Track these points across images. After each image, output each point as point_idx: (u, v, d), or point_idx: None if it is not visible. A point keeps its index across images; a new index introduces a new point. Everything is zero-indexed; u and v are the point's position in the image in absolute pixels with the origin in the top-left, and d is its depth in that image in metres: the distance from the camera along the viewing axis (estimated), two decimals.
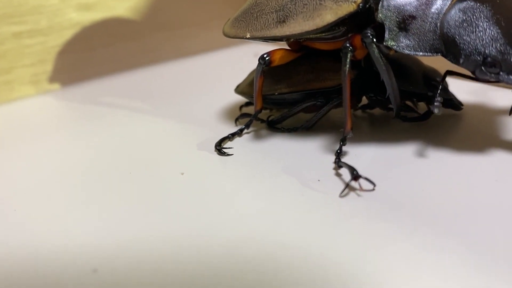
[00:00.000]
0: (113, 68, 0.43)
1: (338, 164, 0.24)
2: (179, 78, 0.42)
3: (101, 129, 0.33)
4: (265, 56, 0.27)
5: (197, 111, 0.34)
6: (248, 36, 0.27)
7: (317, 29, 0.25)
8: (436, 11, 0.23)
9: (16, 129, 0.34)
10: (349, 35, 0.25)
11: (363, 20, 0.25)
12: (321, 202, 0.23)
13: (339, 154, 0.25)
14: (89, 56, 0.42)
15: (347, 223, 0.21)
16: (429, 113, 0.28)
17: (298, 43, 0.28)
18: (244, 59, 0.45)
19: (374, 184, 0.23)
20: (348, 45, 0.24)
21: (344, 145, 0.25)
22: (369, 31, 0.24)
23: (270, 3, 0.27)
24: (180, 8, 0.45)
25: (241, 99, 0.34)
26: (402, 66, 0.27)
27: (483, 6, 0.23)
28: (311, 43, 0.27)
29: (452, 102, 0.28)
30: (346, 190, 0.23)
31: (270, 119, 0.29)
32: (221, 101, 0.35)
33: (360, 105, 0.29)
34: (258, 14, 0.27)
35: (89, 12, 0.41)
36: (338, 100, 0.27)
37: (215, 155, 0.28)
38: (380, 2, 0.24)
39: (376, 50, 0.24)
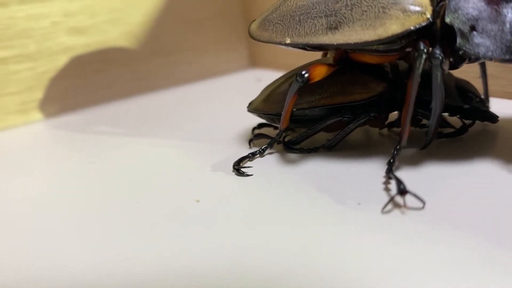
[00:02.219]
0: (106, 96, 0.40)
1: (389, 175, 0.22)
2: (177, 104, 0.39)
3: (97, 158, 0.30)
4: (303, 73, 0.24)
5: (203, 135, 0.31)
6: (287, 41, 0.25)
7: (379, 39, 0.23)
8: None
9: (2, 161, 0.31)
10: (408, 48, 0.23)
11: (428, 33, 0.23)
12: (363, 225, 0.20)
13: (391, 164, 0.22)
14: (81, 83, 0.39)
15: (401, 247, 0.19)
16: (465, 127, 0.26)
17: (341, 54, 0.25)
18: (245, 84, 0.43)
19: (423, 202, 0.20)
20: (422, 47, 0.22)
21: (397, 155, 0.23)
22: (438, 51, 0.22)
23: (317, 7, 0.24)
24: (175, 33, 0.43)
25: (249, 121, 0.31)
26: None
27: None
28: (359, 55, 0.25)
29: (488, 114, 0.26)
30: (390, 206, 0.20)
31: (286, 139, 0.27)
32: (227, 125, 0.32)
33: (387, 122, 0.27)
34: (301, 18, 0.24)
35: (81, 36, 0.39)
36: (366, 117, 0.25)
37: (232, 176, 0.25)
38: (447, 5, 0.22)
39: (440, 74, 0.22)
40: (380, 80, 0.25)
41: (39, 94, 0.37)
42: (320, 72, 0.24)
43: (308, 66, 0.24)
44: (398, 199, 0.21)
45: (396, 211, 0.21)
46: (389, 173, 0.22)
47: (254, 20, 0.27)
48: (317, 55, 0.29)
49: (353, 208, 0.21)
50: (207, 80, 0.44)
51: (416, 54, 0.22)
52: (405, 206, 0.20)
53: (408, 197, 0.21)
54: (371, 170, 0.24)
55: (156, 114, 0.37)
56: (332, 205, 0.22)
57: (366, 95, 0.25)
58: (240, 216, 0.22)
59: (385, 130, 0.28)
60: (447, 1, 0.22)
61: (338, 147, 0.26)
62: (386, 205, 0.21)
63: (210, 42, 0.45)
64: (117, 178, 0.27)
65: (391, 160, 0.23)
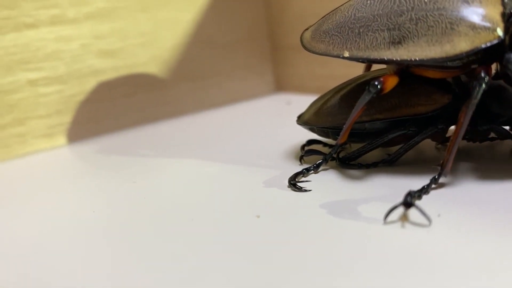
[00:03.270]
0: (135, 120, 0.39)
1: (418, 195, 0.21)
2: (209, 127, 0.38)
3: (138, 179, 0.28)
4: (376, 83, 0.23)
5: (246, 155, 0.30)
6: (346, 55, 0.24)
7: (446, 57, 0.22)
8: None
9: (30, 186, 0.29)
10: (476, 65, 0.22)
11: (497, 50, 0.22)
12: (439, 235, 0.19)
13: (424, 190, 0.22)
14: (110, 106, 0.38)
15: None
16: None
17: (401, 68, 0.24)
18: (275, 107, 0.42)
19: (429, 220, 0.20)
20: (483, 75, 0.21)
21: (435, 183, 0.22)
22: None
23: (379, 19, 0.23)
24: (203, 58, 0.42)
25: (292, 140, 0.30)
26: (503, 90, 0.24)
27: None
28: (421, 70, 0.24)
29: None
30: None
31: (341, 156, 0.26)
32: (269, 145, 0.31)
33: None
34: (361, 31, 0.24)
35: (111, 59, 0.38)
36: (434, 129, 0.24)
37: (289, 192, 0.24)
38: None
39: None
40: (445, 92, 0.24)
41: (67, 117, 0.36)
42: (392, 83, 0.23)
43: (379, 77, 0.23)
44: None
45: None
46: (418, 195, 0.21)
47: (306, 30, 0.26)
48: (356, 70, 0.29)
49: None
50: (235, 105, 0.43)
51: (475, 82, 0.21)
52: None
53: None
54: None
55: (189, 137, 0.36)
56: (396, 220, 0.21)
57: (431, 107, 0.24)
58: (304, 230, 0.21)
59: (439, 146, 0.27)
60: None
61: (397, 162, 0.25)
62: (387, 215, 0.20)
63: (237, 67, 0.44)
64: (162, 198, 0.25)
65: (425, 187, 0.22)
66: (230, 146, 0.33)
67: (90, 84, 0.37)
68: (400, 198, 0.22)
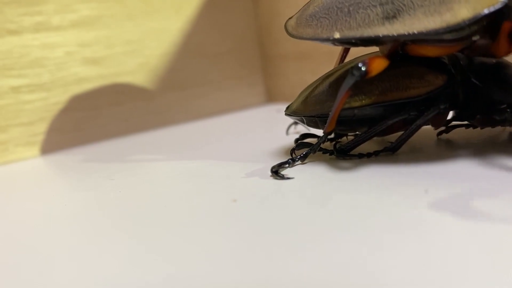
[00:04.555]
0: (120, 129, 0.38)
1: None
2: (197, 136, 0.37)
3: (112, 178, 0.27)
4: (360, 65, 0.21)
5: (233, 157, 0.29)
6: (337, 36, 0.22)
7: (447, 27, 0.20)
8: None
9: (8, 195, 0.27)
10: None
11: (500, 17, 0.21)
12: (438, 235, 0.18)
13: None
14: (95, 115, 0.37)
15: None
16: None
17: (396, 47, 0.23)
18: (266, 116, 0.41)
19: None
20: None
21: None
22: None
23: None
24: (192, 67, 0.41)
25: (283, 142, 0.29)
26: (506, 74, 0.23)
27: None
28: (418, 48, 0.22)
29: None
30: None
31: (338, 147, 0.24)
32: (259, 148, 0.30)
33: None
34: (351, 9, 0.22)
35: (96, 66, 0.37)
36: (435, 110, 0.22)
37: (270, 180, 0.23)
38: None
39: None
40: (439, 73, 0.23)
41: (51, 125, 0.35)
42: (378, 65, 0.22)
43: (365, 59, 0.22)
44: None
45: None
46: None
47: (290, 18, 0.25)
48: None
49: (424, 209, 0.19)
50: (225, 115, 0.42)
51: None
52: None
53: None
54: (445, 170, 0.22)
55: (175, 143, 0.35)
56: (385, 211, 0.19)
57: (424, 89, 0.23)
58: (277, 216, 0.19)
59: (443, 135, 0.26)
60: None
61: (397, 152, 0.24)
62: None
63: (227, 77, 0.43)
64: (137, 190, 0.24)
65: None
66: (216, 149, 0.32)
67: (74, 92, 0.36)
68: (385, 184, 0.21)
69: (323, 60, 0.40)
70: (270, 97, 0.45)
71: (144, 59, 0.39)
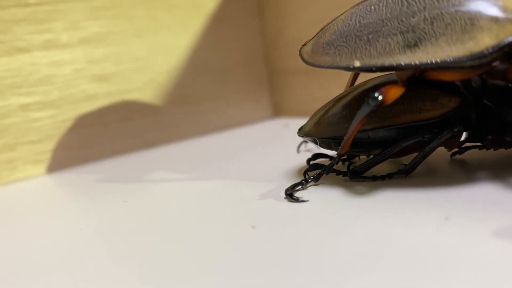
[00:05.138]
0: (129, 146, 0.38)
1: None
2: (207, 151, 0.37)
3: (125, 200, 0.27)
4: (376, 95, 0.21)
5: (245, 174, 0.29)
6: (357, 64, 0.22)
7: (470, 55, 0.20)
8: None
9: (18, 213, 0.27)
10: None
11: None
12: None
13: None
14: (103, 132, 0.37)
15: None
16: None
17: (414, 73, 0.23)
18: (273, 131, 0.41)
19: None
20: None
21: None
22: None
23: (389, 23, 0.22)
24: (199, 82, 0.42)
25: (295, 161, 0.29)
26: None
27: None
28: (439, 73, 0.22)
29: None
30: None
31: (351, 168, 0.25)
32: (272, 165, 0.30)
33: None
34: (371, 37, 0.22)
35: (105, 83, 0.37)
36: (449, 133, 0.23)
37: (285, 203, 0.23)
38: None
39: None
40: (452, 95, 0.23)
41: (59, 143, 0.35)
42: (395, 94, 0.22)
43: (381, 88, 0.22)
44: None
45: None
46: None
47: (304, 45, 0.25)
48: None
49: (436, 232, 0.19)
50: (232, 129, 0.42)
51: None
52: None
53: None
54: (462, 194, 0.22)
55: (184, 160, 0.35)
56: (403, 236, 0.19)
57: (438, 112, 0.23)
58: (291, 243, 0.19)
59: (456, 156, 0.26)
60: None
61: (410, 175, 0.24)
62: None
63: (234, 92, 0.43)
64: (153, 214, 0.24)
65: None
66: (227, 166, 0.32)
67: (83, 109, 0.36)
68: (402, 210, 0.21)
69: (329, 75, 0.40)
70: (277, 112, 0.45)
71: (152, 75, 0.39)
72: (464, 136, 0.25)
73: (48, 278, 0.19)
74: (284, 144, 0.33)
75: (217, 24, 0.42)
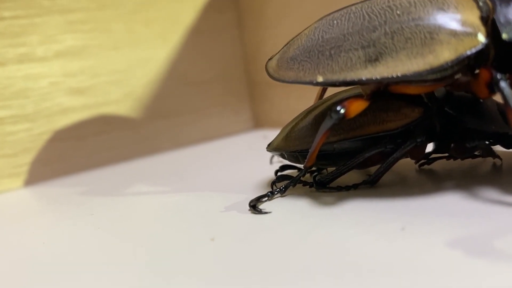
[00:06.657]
0: (106, 159, 0.38)
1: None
2: (184, 164, 0.37)
3: (92, 213, 0.27)
4: (338, 109, 0.21)
5: (216, 186, 0.29)
6: (320, 79, 0.22)
7: (430, 69, 0.21)
8: None
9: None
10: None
11: (482, 56, 0.21)
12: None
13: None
14: (80, 145, 0.37)
15: None
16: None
17: (378, 88, 0.23)
18: (252, 142, 0.41)
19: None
20: (499, 76, 0.20)
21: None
22: (498, 74, 0.20)
23: (350, 38, 0.22)
24: (178, 95, 0.41)
25: (267, 173, 0.29)
26: (479, 103, 0.24)
27: None
28: (401, 87, 0.22)
29: None
30: None
31: (317, 179, 0.24)
32: (243, 177, 0.30)
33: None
34: (333, 52, 0.22)
35: (81, 96, 0.37)
36: (412, 143, 0.23)
37: (248, 215, 0.23)
38: (497, 21, 0.20)
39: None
40: (415, 106, 0.23)
41: (35, 156, 0.35)
42: (357, 108, 0.22)
43: (343, 101, 0.22)
44: None
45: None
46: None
47: (270, 59, 0.25)
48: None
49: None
50: (212, 142, 0.42)
51: (498, 83, 0.20)
52: None
53: None
54: (423, 204, 0.22)
55: (161, 173, 0.35)
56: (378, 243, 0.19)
57: (401, 122, 0.23)
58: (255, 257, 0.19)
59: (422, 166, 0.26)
60: (493, 17, 0.21)
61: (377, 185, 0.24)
62: None
63: (213, 104, 0.43)
64: (116, 227, 0.24)
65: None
66: (201, 179, 0.32)
67: (59, 122, 0.36)
68: (363, 220, 0.21)
69: (309, 87, 0.40)
70: (257, 123, 0.45)
71: (130, 88, 0.39)
72: (431, 147, 0.25)
73: None
74: (259, 155, 0.33)
75: (196, 36, 0.42)
